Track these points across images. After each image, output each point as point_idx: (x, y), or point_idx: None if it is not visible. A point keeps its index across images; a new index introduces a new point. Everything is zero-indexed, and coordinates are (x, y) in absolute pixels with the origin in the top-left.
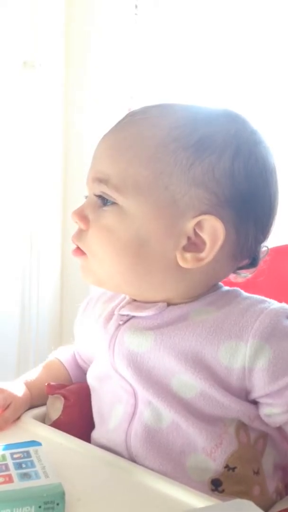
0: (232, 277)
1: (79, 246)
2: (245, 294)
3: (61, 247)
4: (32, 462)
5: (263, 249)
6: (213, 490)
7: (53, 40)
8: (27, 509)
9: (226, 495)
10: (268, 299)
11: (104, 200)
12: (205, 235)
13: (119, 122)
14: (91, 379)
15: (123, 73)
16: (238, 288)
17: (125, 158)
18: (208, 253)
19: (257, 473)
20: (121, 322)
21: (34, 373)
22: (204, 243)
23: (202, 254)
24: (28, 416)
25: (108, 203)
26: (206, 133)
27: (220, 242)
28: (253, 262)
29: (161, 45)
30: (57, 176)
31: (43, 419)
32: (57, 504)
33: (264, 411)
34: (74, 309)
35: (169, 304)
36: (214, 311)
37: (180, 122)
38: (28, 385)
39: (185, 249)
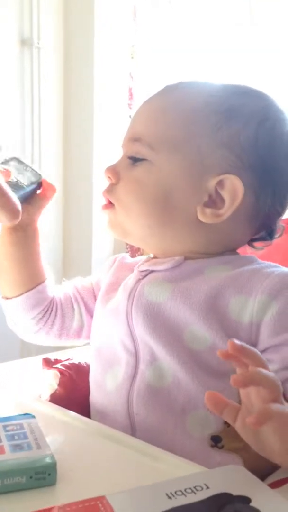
0: (248, 250)
1: (109, 198)
2: (260, 260)
3: (63, 229)
4: (24, 434)
5: (280, 226)
6: (212, 446)
7: (52, 18)
8: (18, 479)
9: (225, 451)
10: (281, 266)
11: (135, 160)
12: (225, 193)
13: (156, 92)
14: (95, 339)
15: (123, 52)
16: (254, 256)
17: (162, 120)
18: (226, 210)
19: None
20: (140, 277)
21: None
22: (223, 201)
23: (221, 211)
24: (23, 391)
25: (139, 161)
26: (237, 102)
27: (238, 200)
28: (270, 234)
29: (163, 20)
30: (57, 154)
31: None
32: (49, 474)
33: None
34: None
35: (186, 258)
36: (229, 269)
37: (215, 92)
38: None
39: (206, 205)
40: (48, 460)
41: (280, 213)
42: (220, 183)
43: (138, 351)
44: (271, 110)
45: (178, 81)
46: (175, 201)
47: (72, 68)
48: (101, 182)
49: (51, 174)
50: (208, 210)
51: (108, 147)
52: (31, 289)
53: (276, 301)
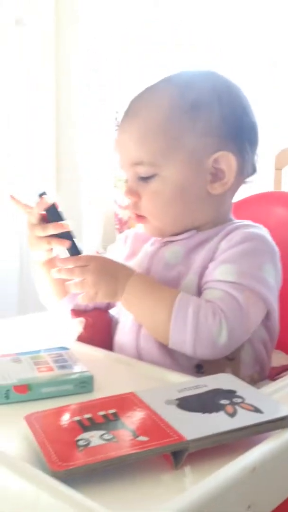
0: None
1: (137, 213)
2: (247, 221)
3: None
4: (65, 359)
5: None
6: (197, 373)
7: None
8: (68, 386)
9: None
10: (258, 226)
11: (145, 178)
12: (222, 166)
13: (127, 113)
14: None
15: (113, 32)
16: (249, 222)
17: (147, 139)
18: (229, 178)
19: (231, 359)
20: (162, 245)
21: None
22: (222, 172)
23: (225, 180)
24: (54, 335)
25: (149, 177)
26: (194, 95)
27: (234, 166)
28: (253, 170)
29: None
30: (50, 135)
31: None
32: (88, 383)
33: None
34: None
35: (198, 231)
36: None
37: (172, 96)
38: None
39: (212, 181)
40: (87, 374)
41: (255, 153)
42: (215, 161)
43: None
44: (218, 86)
45: (138, 95)
46: (189, 192)
47: (63, 44)
48: (89, 168)
49: (42, 163)
50: (216, 184)
51: (99, 124)
52: None
53: (230, 250)
